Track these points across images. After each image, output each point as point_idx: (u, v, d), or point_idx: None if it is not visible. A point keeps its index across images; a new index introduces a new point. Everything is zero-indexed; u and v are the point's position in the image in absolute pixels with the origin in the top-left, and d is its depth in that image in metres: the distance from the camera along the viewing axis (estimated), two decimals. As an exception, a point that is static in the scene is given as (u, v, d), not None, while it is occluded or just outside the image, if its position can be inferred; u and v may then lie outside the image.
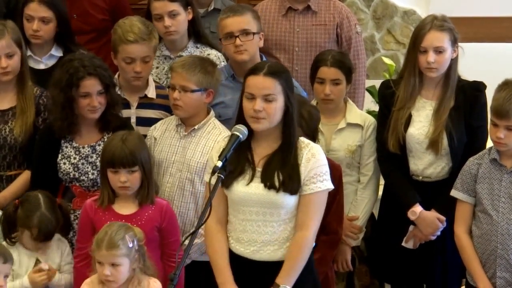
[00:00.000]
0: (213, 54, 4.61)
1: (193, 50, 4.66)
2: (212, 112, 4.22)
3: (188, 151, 4.14)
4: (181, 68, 4.10)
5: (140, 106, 4.39)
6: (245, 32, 4.36)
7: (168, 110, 4.40)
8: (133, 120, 4.37)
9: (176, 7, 4.57)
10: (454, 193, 4.05)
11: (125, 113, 4.32)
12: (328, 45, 4.88)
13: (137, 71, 4.29)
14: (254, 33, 4.38)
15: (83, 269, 3.88)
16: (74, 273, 3.94)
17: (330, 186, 3.48)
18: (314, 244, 3.53)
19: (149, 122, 4.35)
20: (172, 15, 4.57)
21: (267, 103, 3.39)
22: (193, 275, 3.98)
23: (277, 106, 3.41)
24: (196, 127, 4.16)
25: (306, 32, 4.97)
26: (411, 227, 4.30)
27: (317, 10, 4.99)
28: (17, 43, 4.24)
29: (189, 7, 4.62)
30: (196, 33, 4.69)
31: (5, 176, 4.28)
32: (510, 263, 3.92)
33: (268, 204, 3.44)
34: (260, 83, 3.40)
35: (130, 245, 3.63)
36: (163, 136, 4.22)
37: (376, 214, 4.62)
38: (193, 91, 4.09)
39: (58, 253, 4.01)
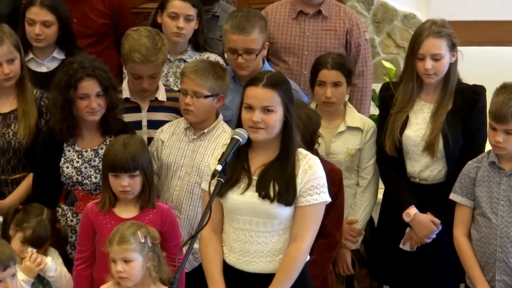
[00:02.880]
0: (213, 58, 4.62)
1: (193, 53, 4.69)
2: (221, 116, 4.22)
3: (198, 155, 4.15)
4: (194, 73, 4.09)
5: (151, 109, 4.40)
6: (249, 52, 4.35)
7: (179, 112, 4.38)
8: (144, 123, 4.38)
9: (193, 12, 4.63)
10: (453, 196, 4.05)
11: (136, 116, 4.35)
12: (337, 51, 4.84)
13: (143, 87, 4.30)
14: (257, 53, 4.37)
15: (84, 272, 3.91)
16: (75, 276, 3.95)
17: (327, 198, 3.45)
18: (308, 256, 3.52)
19: (160, 125, 4.35)
20: (188, 19, 4.61)
21: (266, 114, 3.38)
22: (200, 278, 3.98)
23: (276, 118, 3.39)
24: (205, 130, 4.16)
25: (316, 36, 4.98)
26: (408, 229, 4.32)
27: (328, 15, 4.99)
28: (16, 47, 4.24)
29: (199, 18, 4.67)
30: (196, 43, 4.71)
31: (10, 180, 4.28)
32: (509, 266, 3.92)
33: (261, 214, 3.42)
34: (259, 94, 3.38)
35: (142, 240, 3.63)
36: (170, 139, 4.23)
37: (375, 217, 4.64)
38: (206, 96, 4.09)
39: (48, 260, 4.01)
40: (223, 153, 3.36)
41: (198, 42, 4.71)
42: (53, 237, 4.03)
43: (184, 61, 4.67)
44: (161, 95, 4.41)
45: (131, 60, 4.24)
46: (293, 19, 4.99)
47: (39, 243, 3.96)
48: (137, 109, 4.38)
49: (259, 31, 4.37)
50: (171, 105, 4.41)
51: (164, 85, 4.51)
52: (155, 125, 4.37)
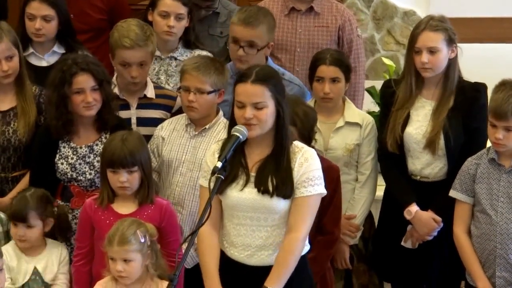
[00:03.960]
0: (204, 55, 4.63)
1: (183, 51, 4.69)
2: (221, 112, 4.23)
3: (199, 151, 4.15)
4: (196, 70, 4.09)
5: (140, 106, 4.40)
6: (251, 45, 4.36)
7: (168, 109, 4.42)
8: (133, 121, 4.38)
9: (184, 11, 4.63)
10: (452, 193, 4.05)
11: (125, 114, 4.34)
12: (329, 47, 4.84)
13: (132, 76, 4.30)
14: (260, 48, 4.37)
15: (83, 268, 3.91)
16: (74, 272, 3.95)
17: (322, 191, 3.46)
18: (307, 247, 3.53)
19: (150, 122, 4.36)
20: (179, 18, 4.61)
21: (257, 110, 3.37)
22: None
23: (268, 112, 3.39)
24: (207, 126, 4.17)
25: (308, 33, 4.98)
26: (409, 227, 4.32)
27: (320, 12, 4.99)
28: (15, 44, 4.25)
29: (189, 15, 4.67)
30: (187, 40, 4.72)
31: (10, 177, 4.28)
32: (509, 262, 3.92)
33: (261, 209, 3.43)
34: (248, 91, 3.37)
35: (142, 240, 3.64)
36: (171, 136, 4.23)
37: (375, 213, 4.64)
38: (209, 92, 4.10)
39: (56, 262, 4.03)
40: (223, 150, 3.37)
41: (189, 40, 4.71)
42: (48, 215, 4.02)
43: (175, 59, 4.68)
44: (150, 92, 4.42)
45: (120, 46, 4.26)
46: (285, 16, 4.98)
47: (19, 217, 3.96)
48: (126, 107, 4.38)
49: (265, 28, 4.38)
50: (160, 102, 4.43)
51: (154, 82, 4.52)
52: (144, 122, 4.38)
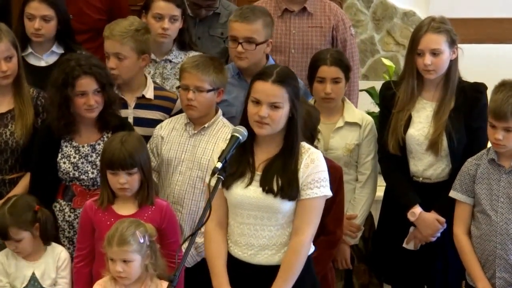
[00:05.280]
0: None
1: (178, 53, 4.69)
2: (220, 111, 4.24)
3: (199, 149, 4.16)
4: (195, 69, 4.10)
5: (138, 106, 4.40)
6: (249, 41, 4.37)
7: (167, 111, 4.41)
8: (130, 120, 4.37)
9: (178, 13, 4.63)
10: (453, 194, 4.05)
11: (122, 113, 4.33)
12: (323, 47, 4.84)
13: (109, 66, 4.29)
14: (258, 44, 4.37)
15: (83, 269, 3.91)
16: (75, 273, 3.95)
17: (327, 193, 3.47)
18: (313, 248, 3.54)
19: (147, 122, 4.36)
20: (173, 19, 4.61)
21: (273, 110, 3.38)
22: (202, 273, 3.98)
23: (282, 113, 3.40)
24: (206, 125, 4.17)
25: (302, 34, 4.97)
26: (411, 229, 4.31)
27: (313, 12, 4.99)
28: (14, 45, 4.24)
29: (183, 17, 4.68)
30: (181, 42, 4.71)
31: (7, 180, 4.27)
32: (509, 263, 3.92)
33: (265, 208, 3.43)
34: (267, 90, 3.38)
35: (141, 240, 3.64)
36: (170, 135, 4.23)
37: (375, 214, 4.64)
38: (208, 91, 4.11)
39: (53, 267, 4.01)
40: (222, 151, 3.37)
41: (183, 41, 4.71)
42: (27, 223, 3.96)
43: (170, 61, 4.68)
44: (149, 93, 4.41)
45: (104, 36, 4.32)
46: (278, 17, 4.96)
47: (3, 236, 3.93)
48: (124, 106, 4.37)
49: (262, 24, 4.39)
50: (159, 103, 4.42)
51: (156, 83, 4.52)
52: (141, 122, 4.37)
